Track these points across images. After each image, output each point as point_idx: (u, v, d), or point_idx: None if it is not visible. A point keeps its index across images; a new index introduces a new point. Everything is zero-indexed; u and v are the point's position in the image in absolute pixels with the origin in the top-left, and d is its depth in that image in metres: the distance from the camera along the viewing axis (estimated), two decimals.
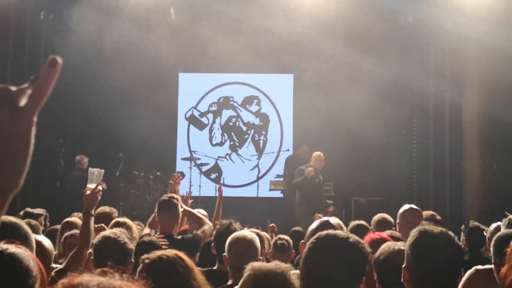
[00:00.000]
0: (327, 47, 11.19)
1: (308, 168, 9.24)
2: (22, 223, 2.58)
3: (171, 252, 2.31)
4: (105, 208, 5.32)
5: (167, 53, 11.96)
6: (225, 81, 13.61)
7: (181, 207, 4.82)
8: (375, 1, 9.31)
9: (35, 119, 0.93)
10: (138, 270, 2.41)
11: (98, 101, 11.87)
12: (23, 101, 0.92)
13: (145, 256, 2.35)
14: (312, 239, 2.17)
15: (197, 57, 12.88)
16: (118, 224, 4.50)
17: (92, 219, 4.00)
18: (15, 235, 2.29)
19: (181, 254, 2.34)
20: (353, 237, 2.17)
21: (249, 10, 10.45)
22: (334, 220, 3.41)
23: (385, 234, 3.47)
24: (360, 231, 4.33)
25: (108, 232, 3.41)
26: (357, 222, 5.02)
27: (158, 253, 2.36)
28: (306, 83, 12.72)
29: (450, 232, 2.38)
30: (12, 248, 1.98)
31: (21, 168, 0.92)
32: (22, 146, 0.92)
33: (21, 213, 5.89)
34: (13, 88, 0.93)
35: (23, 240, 2.34)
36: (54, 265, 3.68)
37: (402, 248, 2.71)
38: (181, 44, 12.03)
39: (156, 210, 4.86)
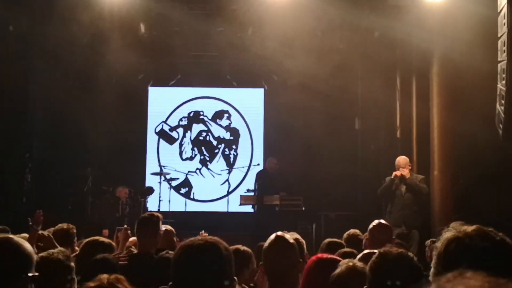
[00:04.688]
0: (297, 62, 11.28)
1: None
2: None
3: (112, 277, 2.26)
4: (63, 225, 5.18)
5: (137, 67, 11.90)
6: (196, 95, 13.59)
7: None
8: (343, 17, 9.42)
9: None
10: None
11: (66, 115, 11.73)
12: None
13: (90, 283, 2.30)
14: (173, 257, 2.21)
15: (167, 71, 12.85)
16: (95, 243, 4.37)
17: None
18: None
19: (122, 278, 2.29)
20: (210, 239, 2.19)
21: (219, 25, 10.48)
22: (292, 235, 3.36)
23: (331, 255, 3.40)
24: (333, 249, 4.35)
25: (44, 253, 3.29)
26: (330, 239, 5.00)
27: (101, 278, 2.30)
28: (277, 97, 12.79)
29: (410, 253, 2.53)
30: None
31: None
32: None
33: None
34: None
35: None
36: None
37: (357, 266, 2.78)
38: (151, 58, 11.98)
39: (119, 230, 4.77)
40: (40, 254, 3.10)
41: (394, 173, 8.34)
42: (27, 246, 2.42)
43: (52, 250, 3.16)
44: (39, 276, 2.33)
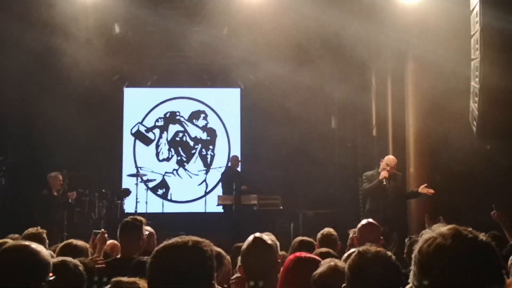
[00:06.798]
0: (273, 62, 11.29)
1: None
2: None
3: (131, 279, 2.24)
4: (32, 230, 4.96)
5: (112, 68, 11.78)
6: (172, 95, 13.53)
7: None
8: (318, 17, 9.44)
9: None
10: None
11: (40, 117, 11.57)
12: None
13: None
14: (151, 257, 2.15)
15: (143, 71, 12.76)
16: (69, 247, 4.29)
17: None
18: None
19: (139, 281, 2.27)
20: (193, 240, 2.14)
21: (195, 25, 10.44)
22: (267, 235, 3.35)
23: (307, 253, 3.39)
24: (304, 248, 4.33)
25: (58, 259, 3.20)
26: (301, 238, 4.96)
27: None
28: (253, 97, 12.79)
29: (388, 252, 2.52)
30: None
31: None
32: None
33: None
34: None
35: None
36: None
37: (338, 266, 2.79)
38: (126, 59, 11.88)
39: (96, 234, 4.71)
40: (55, 260, 3.06)
41: (382, 175, 8.15)
42: (44, 253, 2.40)
43: (66, 258, 3.11)
44: (56, 281, 2.32)
